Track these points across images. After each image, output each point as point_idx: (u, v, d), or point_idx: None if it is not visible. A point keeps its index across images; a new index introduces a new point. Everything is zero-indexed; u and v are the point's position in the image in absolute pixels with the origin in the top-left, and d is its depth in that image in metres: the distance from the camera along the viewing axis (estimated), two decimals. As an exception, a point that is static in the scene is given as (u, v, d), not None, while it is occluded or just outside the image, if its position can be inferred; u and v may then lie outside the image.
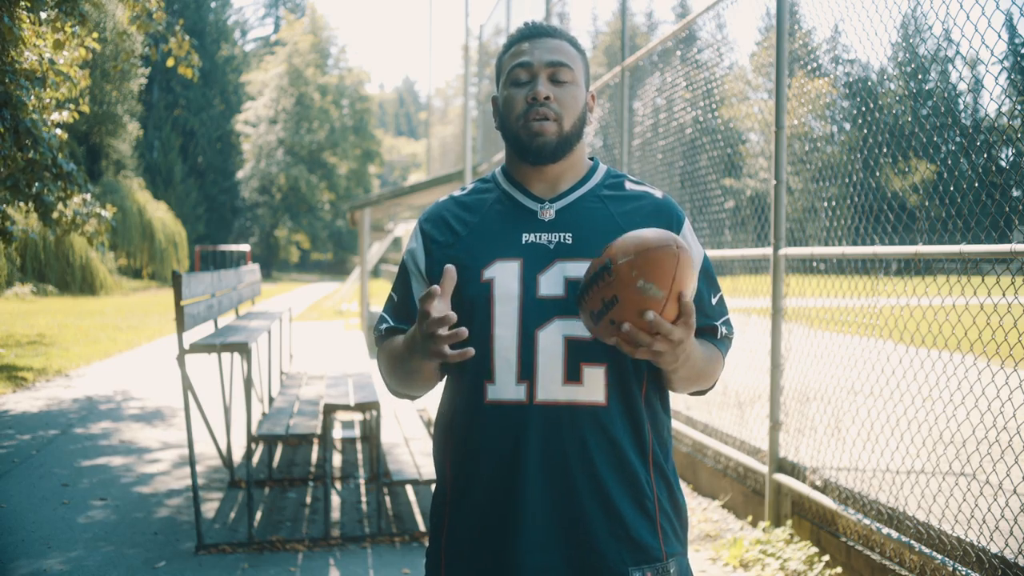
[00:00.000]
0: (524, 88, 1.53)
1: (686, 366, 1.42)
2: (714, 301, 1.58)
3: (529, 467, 1.46)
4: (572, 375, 1.46)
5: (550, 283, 1.48)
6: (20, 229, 8.70)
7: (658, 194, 1.60)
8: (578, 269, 1.48)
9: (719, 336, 1.57)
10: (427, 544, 1.63)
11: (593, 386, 1.46)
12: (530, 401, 1.46)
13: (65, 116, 7.74)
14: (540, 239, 1.52)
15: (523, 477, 1.46)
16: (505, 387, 1.47)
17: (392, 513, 4.85)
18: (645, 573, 1.47)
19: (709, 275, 1.58)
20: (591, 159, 1.64)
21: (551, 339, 1.46)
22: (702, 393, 1.62)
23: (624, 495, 1.48)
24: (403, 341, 1.50)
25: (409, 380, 1.56)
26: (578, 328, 1.45)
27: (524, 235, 1.52)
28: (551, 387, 1.45)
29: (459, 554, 1.54)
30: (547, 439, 1.46)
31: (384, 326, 1.64)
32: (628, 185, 1.60)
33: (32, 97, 7.10)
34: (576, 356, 1.46)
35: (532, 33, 1.56)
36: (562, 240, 1.51)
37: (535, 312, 1.47)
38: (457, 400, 1.55)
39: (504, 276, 1.49)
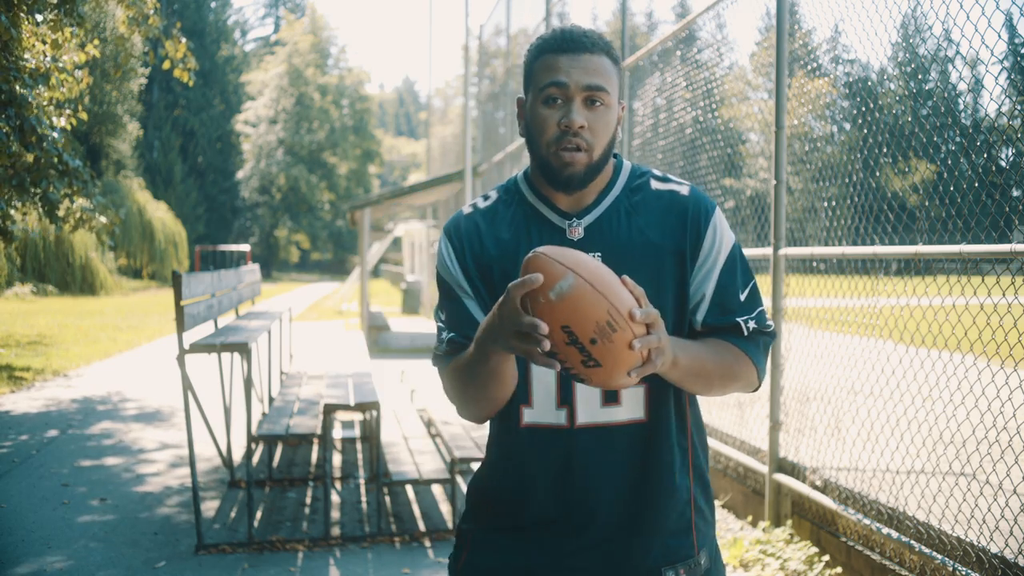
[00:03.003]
0: (557, 111, 1.45)
1: (683, 363, 1.37)
2: (743, 297, 1.51)
3: (571, 488, 1.46)
4: (610, 396, 1.46)
5: None
6: (20, 229, 8.70)
7: (684, 190, 1.54)
8: None
9: (745, 334, 1.50)
10: (461, 522, 1.63)
11: (632, 404, 1.46)
12: (571, 425, 1.46)
13: (63, 122, 7.75)
14: None
15: (564, 499, 1.47)
16: (544, 411, 1.47)
17: (392, 513, 4.85)
18: (679, 571, 1.49)
19: (738, 265, 1.51)
20: (615, 156, 1.57)
21: None
22: (748, 390, 1.56)
23: (664, 506, 1.48)
24: (477, 339, 1.36)
25: (486, 384, 1.41)
26: None
27: None
28: (591, 410, 1.45)
29: (482, 555, 1.55)
30: (587, 460, 1.46)
31: (447, 335, 1.53)
32: (654, 185, 1.54)
33: (36, 94, 7.10)
34: None
35: (570, 46, 1.45)
36: None
37: None
38: (494, 423, 1.54)
39: None
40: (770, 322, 1.55)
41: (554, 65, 1.45)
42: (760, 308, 1.53)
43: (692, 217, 1.50)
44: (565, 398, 1.46)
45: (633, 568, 1.47)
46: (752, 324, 1.50)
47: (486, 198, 1.60)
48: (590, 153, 1.45)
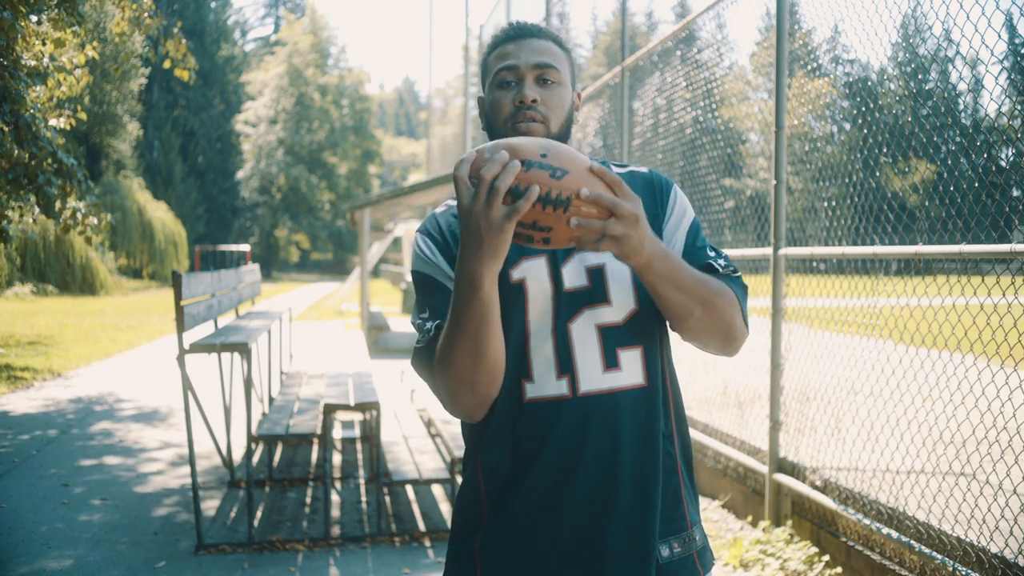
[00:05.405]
0: (511, 91, 1.52)
1: (658, 267, 1.34)
2: (711, 254, 1.55)
3: (580, 459, 1.45)
4: (610, 362, 1.46)
5: (573, 275, 1.49)
6: (19, 229, 8.69)
7: (643, 170, 1.62)
8: (596, 257, 1.49)
9: (719, 271, 1.51)
10: (453, 545, 1.56)
11: (632, 369, 1.47)
12: (574, 394, 1.45)
13: (63, 122, 7.74)
14: None
15: (574, 470, 1.45)
16: (545, 384, 1.46)
17: (392, 513, 4.85)
18: (673, 545, 1.49)
19: (700, 233, 1.58)
20: None
21: (584, 330, 1.46)
22: (727, 346, 1.52)
23: (661, 472, 1.49)
24: (456, 273, 1.31)
25: (479, 330, 1.34)
26: (607, 315, 1.47)
27: None
28: (592, 377, 1.45)
29: (497, 552, 1.50)
30: (596, 429, 1.45)
31: (433, 324, 1.47)
32: (614, 169, 1.61)
33: (32, 92, 7.09)
34: (611, 342, 1.46)
35: (517, 34, 1.56)
36: None
37: (565, 306, 1.48)
38: (492, 410, 1.49)
39: (534, 274, 1.49)
40: (738, 270, 1.57)
41: (504, 52, 1.55)
42: (731, 262, 1.58)
43: (657, 187, 1.59)
44: (565, 368, 1.46)
45: (639, 540, 1.45)
46: (722, 262, 1.53)
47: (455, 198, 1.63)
48: (547, 125, 1.52)
